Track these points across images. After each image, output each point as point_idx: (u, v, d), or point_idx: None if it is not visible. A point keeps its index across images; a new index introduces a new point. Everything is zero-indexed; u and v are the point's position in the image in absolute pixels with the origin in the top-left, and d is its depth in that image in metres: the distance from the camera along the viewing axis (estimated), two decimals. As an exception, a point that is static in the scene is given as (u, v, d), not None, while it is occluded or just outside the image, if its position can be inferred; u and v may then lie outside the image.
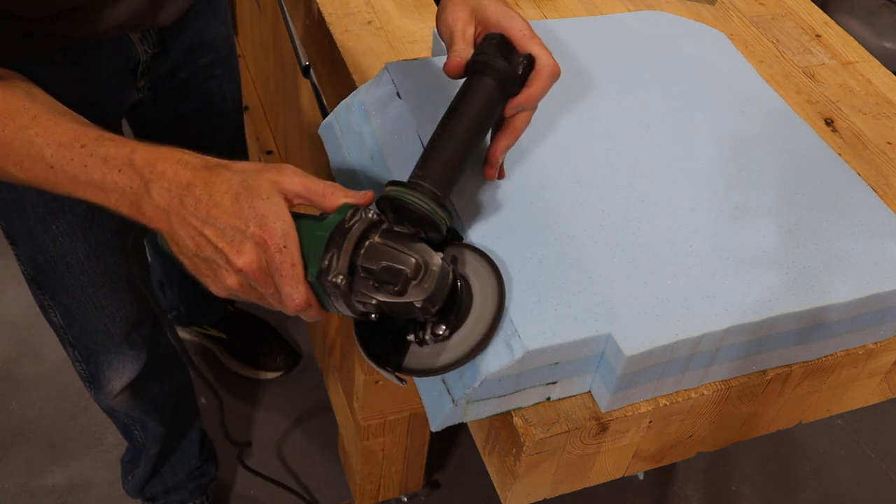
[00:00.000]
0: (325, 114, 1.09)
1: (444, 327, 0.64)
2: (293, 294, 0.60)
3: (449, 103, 0.70)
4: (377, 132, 0.81)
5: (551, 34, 0.96)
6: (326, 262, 0.59)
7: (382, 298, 0.60)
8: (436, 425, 0.70)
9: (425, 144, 0.68)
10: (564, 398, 0.72)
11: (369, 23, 1.06)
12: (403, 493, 1.55)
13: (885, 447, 1.81)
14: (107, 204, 0.63)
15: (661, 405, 0.72)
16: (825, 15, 1.20)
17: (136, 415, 1.28)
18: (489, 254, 0.68)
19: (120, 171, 0.61)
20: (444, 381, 0.68)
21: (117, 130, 0.98)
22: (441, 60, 0.89)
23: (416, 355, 0.65)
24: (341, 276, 0.59)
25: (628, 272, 0.71)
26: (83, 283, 1.03)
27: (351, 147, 0.84)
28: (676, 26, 1.02)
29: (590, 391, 0.72)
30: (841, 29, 1.17)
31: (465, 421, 0.70)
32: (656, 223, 0.76)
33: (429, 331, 0.64)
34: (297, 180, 0.61)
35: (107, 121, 0.95)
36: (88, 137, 0.63)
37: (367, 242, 0.61)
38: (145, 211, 0.61)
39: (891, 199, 0.90)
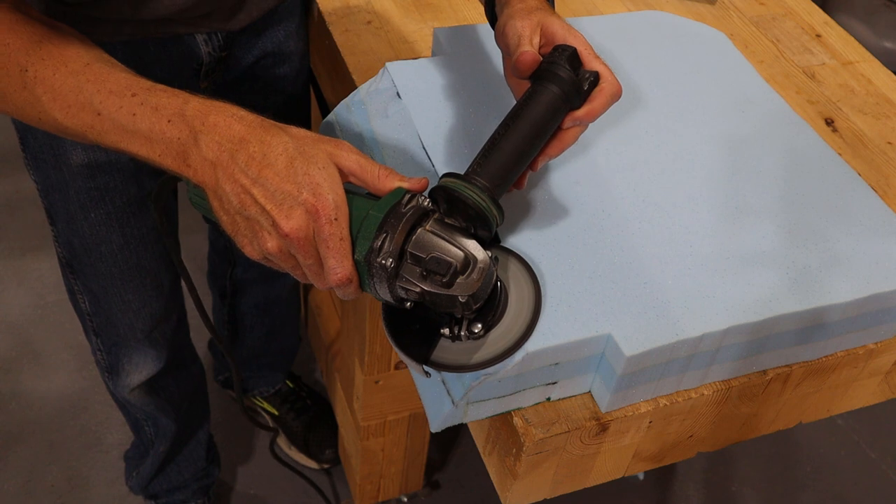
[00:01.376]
0: (325, 114, 1.09)
1: (480, 325, 0.63)
2: (337, 268, 0.59)
3: (449, 102, 0.69)
4: (377, 132, 0.81)
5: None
6: (378, 243, 0.59)
7: (428, 288, 0.59)
8: (436, 426, 0.70)
9: (484, 142, 0.67)
10: (564, 398, 0.72)
11: (369, 23, 1.06)
12: (403, 493, 1.55)
13: (885, 447, 1.81)
14: (152, 156, 0.61)
15: (661, 405, 0.72)
16: (825, 15, 1.20)
17: (149, 410, 1.28)
18: (528, 259, 0.69)
19: (170, 121, 0.59)
20: (443, 382, 0.68)
21: None
22: (441, 61, 0.89)
23: (446, 350, 0.65)
24: (391, 259, 0.59)
25: (628, 272, 0.71)
26: (113, 274, 1.04)
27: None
28: (676, 26, 1.02)
29: (590, 391, 0.72)
30: (841, 29, 1.17)
31: (464, 421, 0.70)
32: (656, 223, 0.76)
33: (465, 327, 0.63)
34: (353, 157, 0.60)
35: None
36: (140, 87, 0.62)
37: (418, 230, 0.61)
38: (191, 163, 0.59)
39: (891, 199, 0.90)
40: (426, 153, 0.78)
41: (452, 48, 0.91)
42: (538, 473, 0.73)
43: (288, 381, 1.65)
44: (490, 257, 0.61)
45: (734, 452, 1.75)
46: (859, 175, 0.86)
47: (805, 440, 1.80)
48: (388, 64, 0.86)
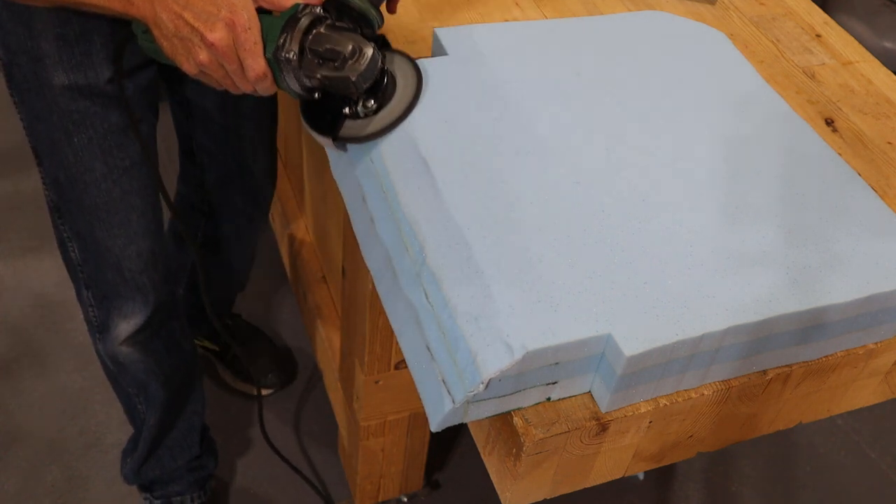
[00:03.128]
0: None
1: (372, 101, 0.80)
2: (253, 65, 0.74)
3: (449, 102, 0.77)
4: (377, 132, 0.81)
5: (551, 34, 0.96)
6: (281, 41, 0.74)
7: (325, 73, 0.75)
8: (436, 425, 0.70)
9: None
10: (564, 398, 0.72)
11: (369, 23, 1.06)
12: (403, 493, 1.56)
13: (885, 447, 1.81)
14: (101, 2, 0.77)
15: (661, 405, 0.72)
16: (825, 15, 1.20)
17: (138, 375, 1.27)
18: (415, 60, 0.83)
19: None
20: (443, 382, 0.68)
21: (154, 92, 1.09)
22: (441, 61, 0.89)
23: (350, 127, 0.81)
24: (293, 52, 0.74)
25: (628, 272, 0.71)
26: (98, 206, 1.07)
27: (350, 147, 0.84)
28: (676, 26, 1.02)
29: (590, 391, 0.72)
30: (841, 29, 1.17)
31: (465, 421, 0.70)
32: (656, 223, 0.76)
33: (360, 105, 0.80)
34: None
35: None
36: None
37: (314, 31, 0.75)
38: (135, 2, 0.76)
39: (891, 199, 0.90)
40: (425, 154, 0.78)
41: (452, 48, 0.91)
42: (538, 473, 0.73)
43: (227, 319, 1.75)
44: (373, 47, 0.75)
45: (734, 452, 1.75)
46: (859, 175, 0.86)
47: (805, 440, 1.80)
48: (388, 64, 0.86)
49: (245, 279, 1.66)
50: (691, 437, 0.79)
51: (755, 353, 0.73)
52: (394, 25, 1.06)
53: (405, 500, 1.57)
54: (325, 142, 0.82)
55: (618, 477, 0.80)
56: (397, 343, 0.92)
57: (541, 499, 0.77)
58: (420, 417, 1.35)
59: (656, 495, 1.68)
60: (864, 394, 0.88)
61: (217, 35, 0.72)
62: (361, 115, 0.81)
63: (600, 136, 0.84)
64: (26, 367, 1.75)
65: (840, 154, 0.91)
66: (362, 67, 0.75)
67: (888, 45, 2.08)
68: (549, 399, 0.71)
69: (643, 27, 1.00)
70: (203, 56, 0.74)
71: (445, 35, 0.92)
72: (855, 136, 0.98)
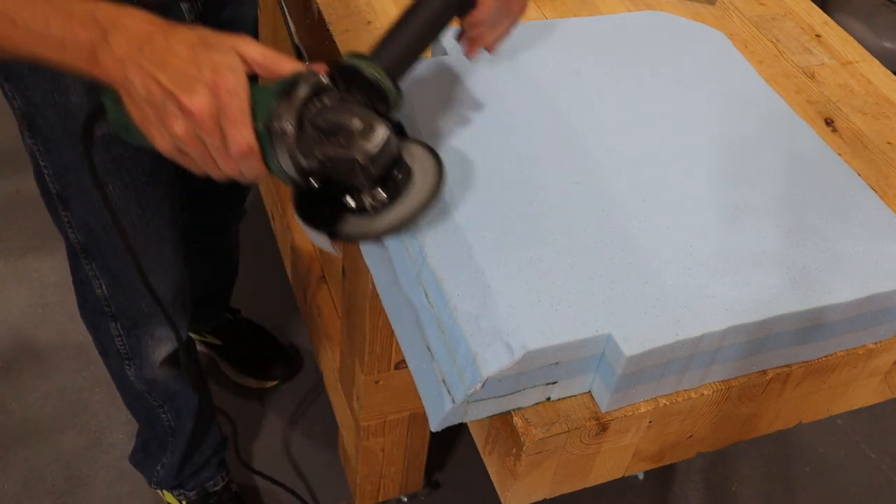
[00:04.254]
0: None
1: (382, 192, 0.65)
2: (237, 137, 0.60)
3: (449, 102, 0.73)
4: (377, 132, 0.81)
5: (551, 34, 0.96)
6: (277, 109, 0.61)
7: (327, 150, 0.61)
8: (436, 425, 0.70)
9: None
10: (564, 398, 0.72)
11: (369, 23, 1.06)
12: (403, 493, 1.56)
13: (885, 447, 1.81)
14: (65, 60, 0.64)
15: (661, 405, 0.72)
16: (825, 15, 1.20)
17: (174, 388, 1.28)
18: (435, 148, 0.70)
19: (82, 24, 0.62)
20: (443, 382, 0.68)
21: None
22: (441, 61, 0.89)
23: (353, 223, 0.66)
24: (289, 123, 0.60)
25: (628, 272, 0.71)
26: (136, 246, 1.05)
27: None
28: (676, 26, 1.02)
29: (590, 391, 0.72)
30: (841, 29, 1.17)
31: (464, 421, 0.70)
32: (656, 223, 0.76)
33: (369, 195, 0.65)
34: (254, 46, 0.63)
35: None
36: None
37: (317, 102, 0.62)
38: (102, 61, 0.62)
39: (891, 199, 0.90)
40: (426, 153, 0.78)
41: (452, 48, 0.91)
42: (538, 473, 0.73)
43: (227, 314, 1.75)
44: (388, 126, 0.62)
45: (734, 452, 1.75)
46: (859, 175, 0.86)
47: (805, 440, 1.80)
48: (388, 64, 0.86)
49: (234, 269, 1.65)
50: (691, 437, 0.79)
51: (755, 353, 0.73)
52: (394, 25, 1.06)
53: (405, 500, 1.57)
54: (322, 240, 0.67)
55: (618, 477, 0.80)
56: (397, 343, 0.92)
57: (541, 499, 0.77)
58: (420, 417, 1.35)
59: (656, 495, 1.68)
60: (864, 394, 0.88)
61: (197, 101, 0.59)
62: (368, 208, 0.66)
63: (600, 136, 0.84)
64: (26, 367, 1.75)
65: (840, 154, 0.91)
66: (373, 148, 0.61)
67: (888, 45, 2.08)
68: (548, 399, 0.71)
69: (643, 27, 1.00)
70: (179, 126, 0.61)
71: (445, 35, 0.92)
72: (855, 136, 0.98)
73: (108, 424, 1.67)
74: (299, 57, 1.23)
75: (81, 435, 1.65)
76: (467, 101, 0.84)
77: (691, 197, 0.79)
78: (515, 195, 0.76)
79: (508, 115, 0.84)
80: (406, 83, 0.84)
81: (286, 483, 1.54)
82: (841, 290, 0.73)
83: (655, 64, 0.94)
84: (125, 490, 1.56)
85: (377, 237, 0.66)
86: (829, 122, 1.00)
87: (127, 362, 1.22)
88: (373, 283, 0.92)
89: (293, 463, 1.65)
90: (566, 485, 0.77)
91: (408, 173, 0.67)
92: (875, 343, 0.80)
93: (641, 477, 1.69)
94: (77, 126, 0.90)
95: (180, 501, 1.51)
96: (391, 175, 0.65)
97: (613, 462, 0.77)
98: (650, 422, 0.73)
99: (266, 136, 0.61)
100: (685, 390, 0.73)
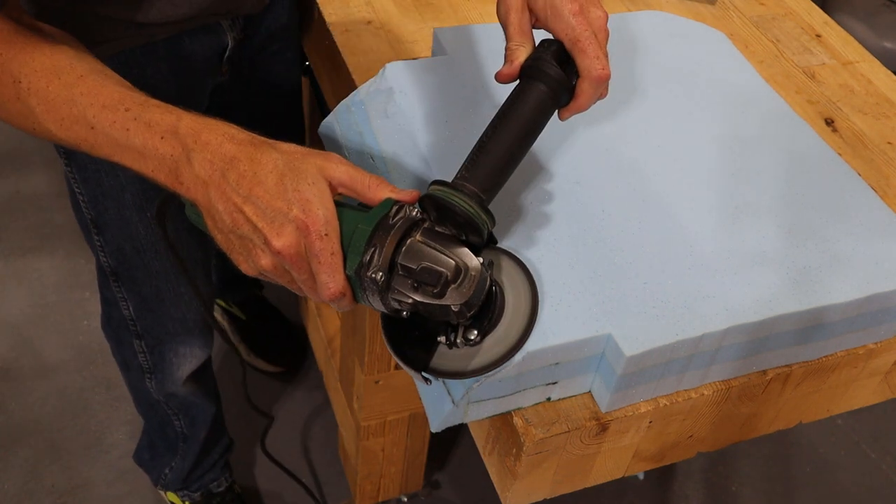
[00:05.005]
0: (325, 114, 1.09)
1: (476, 332, 0.63)
2: (329, 283, 0.59)
3: (449, 103, 0.70)
4: (377, 132, 0.81)
5: (551, 34, 0.96)
6: (367, 257, 0.59)
7: (419, 299, 0.59)
8: (436, 426, 0.70)
9: (472, 147, 0.66)
10: (564, 398, 0.72)
11: (369, 23, 1.06)
12: (403, 493, 1.55)
13: (885, 447, 1.81)
14: (144, 171, 0.62)
15: (661, 405, 0.72)
16: (825, 15, 1.20)
17: (193, 400, 1.30)
18: (524, 260, 0.68)
19: (162, 137, 0.60)
20: (444, 382, 0.68)
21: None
22: (441, 61, 0.89)
23: (445, 357, 0.65)
24: (381, 273, 0.59)
25: (628, 272, 0.71)
26: (167, 270, 1.06)
27: (351, 147, 0.84)
28: (676, 26, 1.02)
29: (590, 391, 0.72)
30: (841, 29, 1.17)
31: (465, 421, 0.70)
32: (656, 223, 0.76)
33: (461, 334, 0.63)
34: (342, 169, 0.61)
35: (198, 106, 0.98)
36: (133, 101, 0.62)
37: (408, 241, 0.61)
38: (184, 181, 0.60)
39: (891, 199, 0.90)
40: (425, 154, 0.78)
41: (452, 48, 0.91)
42: (538, 473, 0.73)
43: (256, 289, 1.76)
44: (482, 264, 0.61)
45: (734, 452, 1.75)
46: (859, 175, 0.86)
47: (805, 440, 1.80)
48: (387, 64, 0.86)
49: None
50: (691, 437, 0.79)
51: (755, 353, 0.73)
52: (394, 25, 1.07)
53: (405, 500, 1.57)
54: (414, 375, 0.66)
55: (618, 477, 0.80)
56: (397, 343, 0.92)
57: (541, 499, 0.77)
58: (420, 417, 1.35)
59: (656, 495, 1.68)
60: (864, 394, 0.88)
61: (285, 241, 0.57)
62: (461, 346, 0.64)
63: (600, 136, 0.84)
64: (26, 367, 1.75)
65: (840, 154, 0.91)
66: (467, 293, 0.59)
67: (888, 45, 2.08)
68: (549, 399, 0.71)
69: (643, 27, 1.00)
70: (266, 262, 0.59)
71: (445, 35, 0.92)
72: (855, 136, 0.98)
73: (108, 424, 1.67)
74: (320, 105, 1.23)
75: (81, 435, 1.65)
76: (467, 101, 0.84)
77: (691, 197, 0.79)
78: (515, 196, 0.76)
79: (508, 115, 0.84)
80: (407, 83, 0.84)
81: (288, 482, 1.54)
82: (841, 290, 0.73)
83: (655, 64, 0.94)
84: (125, 490, 1.57)
85: (470, 375, 0.64)
86: (829, 122, 1.00)
87: (149, 376, 1.22)
88: (373, 283, 0.92)
89: (293, 462, 1.65)
90: (566, 485, 0.77)
91: (501, 303, 0.65)
92: (875, 343, 0.80)
93: (641, 477, 1.69)
94: None
95: (184, 502, 1.51)
96: (485, 311, 0.64)
97: (613, 462, 0.77)
98: (650, 422, 0.73)
99: (357, 280, 0.60)
100: (685, 390, 0.73)
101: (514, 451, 0.70)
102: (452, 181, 0.64)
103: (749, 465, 1.74)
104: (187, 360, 1.21)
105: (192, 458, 1.41)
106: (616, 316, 0.68)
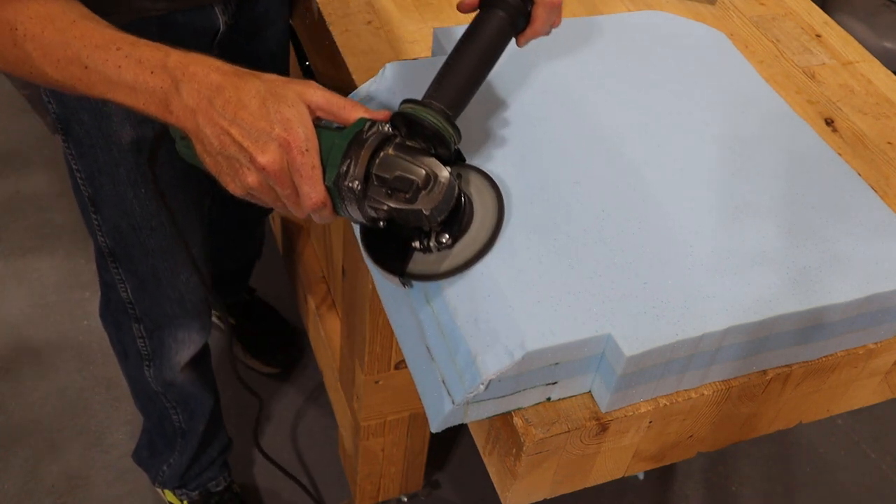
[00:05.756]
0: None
1: (447, 236, 0.69)
2: (311, 193, 0.64)
3: (487, 174, 0.74)
4: (377, 132, 0.81)
5: (551, 34, 0.96)
6: (344, 168, 0.64)
7: (393, 205, 0.64)
8: (436, 426, 0.70)
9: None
10: (564, 398, 0.72)
11: (369, 23, 1.06)
12: (403, 493, 1.55)
13: (885, 447, 1.81)
14: (136, 105, 0.66)
15: (661, 405, 0.72)
16: (825, 15, 1.20)
17: (190, 390, 1.30)
18: (492, 175, 0.73)
19: (152, 72, 0.65)
20: (443, 383, 0.68)
21: None
22: (441, 61, 0.89)
23: (420, 262, 0.70)
24: (357, 182, 0.64)
25: (628, 272, 0.71)
26: (164, 248, 1.08)
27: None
28: (676, 26, 1.02)
29: (590, 391, 0.72)
30: (841, 29, 1.17)
31: (465, 422, 0.70)
32: (656, 223, 0.76)
33: (433, 238, 0.69)
34: (320, 93, 0.66)
35: None
36: (124, 41, 0.67)
37: (381, 154, 0.66)
38: (174, 110, 0.65)
39: (891, 199, 0.90)
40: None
41: (452, 48, 0.91)
42: (538, 473, 0.73)
43: (245, 294, 1.77)
44: (450, 172, 0.66)
45: (734, 452, 1.75)
46: (859, 175, 0.86)
47: (805, 440, 1.80)
48: (387, 64, 0.86)
49: (258, 253, 1.67)
50: (691, 437, 0.79)
51: (755, 353, 0.73)
52: (394, 25, 1.07)
53: (405, 500, 1.57)
54: (391, 279, 0.71)
55: (618, 477, 0.80)
56: (397, 343, 0.92)
57: (541, 499, 0.77)
58: (420, 417, 1.35)
59: (656, 495, 1.68)
60: (864, 394, 0.88)
61: (269, 157, 0.62)
62: (434, 249, 0.70)
63: (600, 136, 0.84)
64: (26, 367, 1.75)
65: (840, 154, 0.91)
66: (437, 198, 0.65)
67: (888, 45, 2.08)
68: (549, 399, 0.71)
69: (643, 27, 1.00)
70: (252, 179, 0.64)
71: (445, 35, 0.92)
72: (855, 136, 0.98)
73: (108, 424, 1.67)
74: (298, 58, 1.24)
75: (81, 435, 1.65)
76: (467, 101, 0.84)
77: (691, 197, 0.79)
78: (515, 196, 0.76)
79: (507, 115, 0.84)
80: (407, 83, 0.84)
81: (287, 482, 1.54)
82: (841, 290, 0.73)
83: (655, 64, 0.94)
84: (125, 490, 1.57)
85: (443, 277, 0.69)
86: (829, 122, 1.00)
87: (147, 364, 1.23)
88: (373, 283, 0.92)
89: (293, 462, 1.65)
90: (566, 485, 0.77)
91: (470, 210, 0.71)
92: (875, 343, 0.80)
93: (641, 477, 1.69)
94: (112, 129, 0.94)
95: (182, 501, 1.51)
96: (455, 216, 0.69)
97: (613, 462, 0.77)
98: (650, 422, 0.73)
99: (336, 190, 0.65)
100: (685, 390, 0.73)
101: (514, 451, 0.70)
102: (421, 100, 0.69)
103: (749, 465, 1.74)
104: (185, 346, 1.21)
105: (191, 452, 1.41)
106: (616, 316, 0.68)
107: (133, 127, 0.95)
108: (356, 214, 0.67)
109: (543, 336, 0.65)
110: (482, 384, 0.64)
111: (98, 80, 0.66)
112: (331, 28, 1.05)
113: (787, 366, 0.77)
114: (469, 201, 0.71)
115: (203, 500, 1.50)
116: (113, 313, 1.20)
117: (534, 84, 0.88)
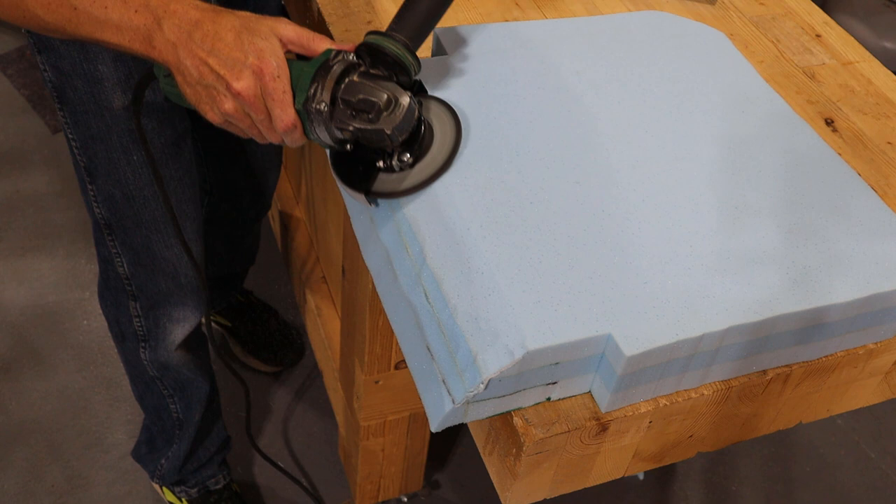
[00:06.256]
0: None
1: (408, 155, 0.75)
2: (283, 116, 0.70)
3: (447, 103, 0.76)
4: (377, 132, 0.81)
5: (551, 34, 0.96)
6: (312, 92, 0.70)
7: (358, 125, 0.70)
8: (436, 426, 0.70)
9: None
10: (564, 398, 0.72)
11: (369, 23, 1.06)
12: (403, 493, 1.56)
13: (885, 447, 1.81)
14: (122, 43, 0.71)
15: (661, 405, 0.72)
16: (825, 15, 1.20)
17: (186, 374, 1.30)
18: (452, 105, 0.79)
19: (136, 11, 0.70)
20: (443, 382, 0.68)
21: None
22: (441, 61, 0.89)
23: (384, 182, 0.76)
24: (324, 104, 0.70)
25: (628, 272, 0.71)
26: (156, 219, 1.10)
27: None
28: (676, 26, 1.02)
29: (590, 391, 0.72)
30: (841, 29, 1.17)
31: (465, 421, 0.70)
32: (656, 223, 0.76)
33: (396, 158, 0.75)
34: (291, 28, 0.72)
35: None
36: None
37: (346, 79, 0.71)
38: (156, 45, 0.70)
39: (891, 199, 0.90)
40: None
41: (452, 48, 0.91)
42: (538, 473, 0.73)
43: (239, 296, 1.79)
44: (410, 96, 0.71)
45: (734, 452, 1.75)
46: (859, 175, 0.86)
47: (805, 440, 1.80)
48: (388, 64, 0.86)
49: (252, 257, 1.68)
50: (691, 437, 0.79)
51: (755, 353, 0.73)
52: (394, 25, 1.06)
53: (405, 500, 1.57)
54: (357, 197, 0.77)
55: (618, 477, 0.80)
56: (397, 343, 0.92)
57: (541, 499, 0.77)
58: (420, 417, 1.35)
59: (656, 495, 1.68)
60: (864, 394, 0.88)
61: (243, 84, 0.68)
62: (396, 168, 0.75)
63: (600, 136, 0.84)
64: (26, 367, 1.75)
65: (840, 154, 0.91)
66: (398, 119, 0.70)
67: (888, 45, 2.08)
68: (549, 399, 0.71)
69: (643, 27, 1.00)
70: (228, 105, 0.70)
71: (445, 35, 0.92)
72: (855, 136, 0.98)
73: (108, 424, 1.67)
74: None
75: (81, 435, 1.65)
76: (466, 102, 0.84)
77: (691, 197, 0.79)
78: (515, 195, 0.76)
79: (508, 115, 0.84)
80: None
81: (286, 482, 1.54)
82: (841, 290, 0.73)
83: (655, 64, 0.94)
84: (125, 490, 1.57)
85: (404, 194, 0.75)
86: (829, 122, 1.00)
87: (143, 345, 1.24)
88: (373, 283, 0.92)
89: (293, 462, 1.65)
90: (566, 485, 0.77)
91: (430, 135, 0.77)
92: (875, 343, 0.80)
93: (641, 477, 1.69)
94: (103, 94, 0.97)
95: (180, 499, 1.51)
96: (415, 137, 0.75)
97: (613, 462, 0.77)
98: (650, 422, 0.73)
99: (305, 113, 0.70)
100: (685, 390, 0.74)
101: (514, 451, 0.70)
102: (384, 31, 0.74)
103: (749, 465, 1.74)
104: (180, 324, 1.23)
105: (188, 443, 1.40)
106: (616, 316, 0.68)
107: (124, 92, 0.98)
108: (324, 136, 0.72)
109: (544, 335, 0.65)
110: (482, 383, 0.64)
111: (86, 20, 0.71)
112: (331, 28, 1.05)
113: (787, 366, 0.77)
114: (429, 126, 0.77)
115: (202, 499, 1.50)
116: (112, 292, 1.21)
117: (534, 84, 0.88)
